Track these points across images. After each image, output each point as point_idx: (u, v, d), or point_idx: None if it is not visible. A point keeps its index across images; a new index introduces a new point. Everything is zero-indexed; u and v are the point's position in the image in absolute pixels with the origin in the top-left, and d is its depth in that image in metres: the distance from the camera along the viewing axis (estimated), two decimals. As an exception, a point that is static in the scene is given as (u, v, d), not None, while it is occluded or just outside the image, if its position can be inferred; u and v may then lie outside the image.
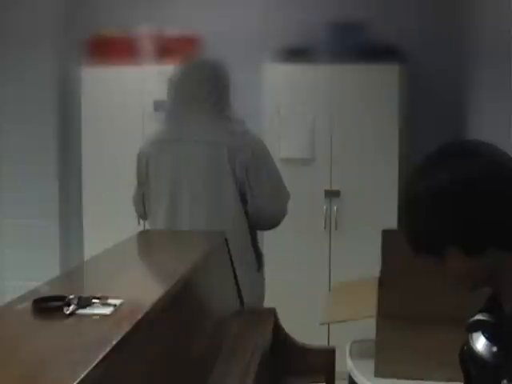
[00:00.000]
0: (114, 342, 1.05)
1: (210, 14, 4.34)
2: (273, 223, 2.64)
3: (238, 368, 1.67)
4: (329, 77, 4.02)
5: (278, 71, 4.08)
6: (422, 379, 2.13)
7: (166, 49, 4.20)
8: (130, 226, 3.21)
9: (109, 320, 1.19)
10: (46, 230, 4.38)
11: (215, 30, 4.23)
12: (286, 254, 4.05)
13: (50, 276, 1.57)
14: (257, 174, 2.49)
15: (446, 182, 1.16)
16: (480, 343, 1.19)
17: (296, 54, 4.05)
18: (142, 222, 2.94)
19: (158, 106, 4.08)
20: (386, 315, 2.16)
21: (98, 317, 1.20)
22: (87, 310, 1.22)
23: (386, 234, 2.18)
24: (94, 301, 1.25)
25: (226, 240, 2.15)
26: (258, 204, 2.51)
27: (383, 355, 2.18)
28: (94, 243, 3.88)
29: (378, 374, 2.19)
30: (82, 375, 0.92)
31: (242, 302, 2.20)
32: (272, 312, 2.17)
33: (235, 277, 2.17)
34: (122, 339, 1.08)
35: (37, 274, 2.88)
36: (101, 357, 0.99)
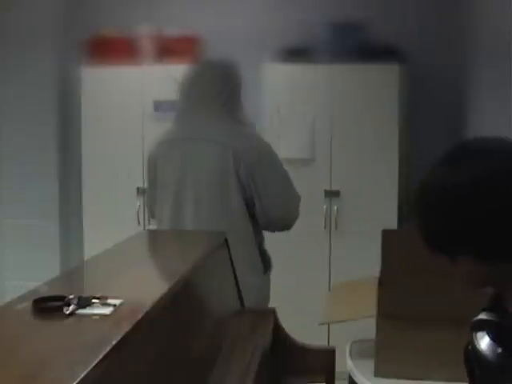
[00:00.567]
0: (114, 342, 1.05)
1: (209, 14, 4.34)
2: (284, 225, 2.62)
3: (238, 368, 1.67)
4: (329, 77, 4.02)
5: (278, 71, 4.08)
6: (421, 379, 2.13)
7: (165, 49, 4.20)
8: (130, 226, 3.22)
9: (109, 320, 1.19)
10: (46, 230, 4.38)
11: (215, 30, 4.23)
12: (286, 254, 4.05)
13: (50, 276, 1.56)
14: (263, 178, 2.46)
15: (467, 183, 1.14)
16: (484, 343, 1.19)
17: (296, 53, 4.05)
18: (142, 221, 2.95)
19: (157, 106, 4.09)
20: (386, 315, 2.16)
21: (97, 317, 1.20)
22: (87, 310, 1.22)
23: (386, 234, 2.18)
24: (93, 301, 1.25)
25: (226, 240, 2.14)
26: (265, 207, 2.48)
27: (383, 355, 2.18)
28: (94, 243, 3.89)
29: (378, 374, 2.20)
30: (82, 375, 0.92)
31: (242, 302, 2.20)
32: (272, 312, 2.17)
33: (235, 277, 2.17)
34: (121, 339, 1.08)
35: (37, 274, 2.88)
36: (100, 357, 0.99)
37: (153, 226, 2.90)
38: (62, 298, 1.24)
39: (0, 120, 4.38)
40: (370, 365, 2.22)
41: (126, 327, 1.13)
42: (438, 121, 4.25)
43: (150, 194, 2.70)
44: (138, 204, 4.10)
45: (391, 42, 3.98)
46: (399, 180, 3.99)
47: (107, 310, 1.22)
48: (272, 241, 3.76)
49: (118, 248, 1.96)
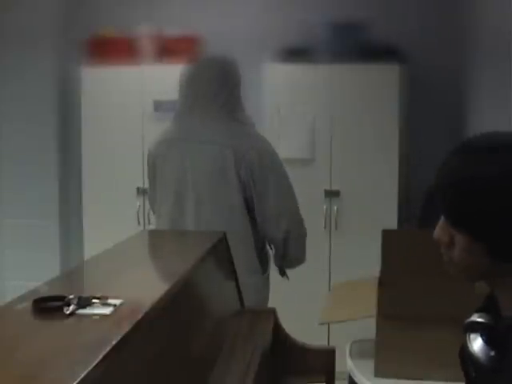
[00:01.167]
0: (114, 342, 1.05)
1: (210, 14, 4.34)
2: (284, 229, 2.50)
3: (238, 368, 1.67)
4: (329, 77, 4.02)
5: (278, 71, 4.08)
6: (421, 379, 2.13)
7: (165, 49, 4.20)
8: (130, 226, 3.22)
9: (109, 320, 1.19)
10: (46, 230, 4.38)
11: (215, 29, 4.23)
12: (286, 254, 4.05)
13: (50, 276, 1.56)
14: (263, 178, 2.45)
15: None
16: (477, 345, 1.18)
17: (296, 53, 4.05)
18: (142, 221, 2.95)
19: (157, 105, 4.09)
20: (385, 315, 2.16)
21: (97, 317, 1.20)
22: (87, 310, 1.22)
23: (386, 234, 2.18)
24: (93, 301, 1.25)
25: (226, 240, 2.14)
26: (264, 207, 2.47)
27: (383, 355, 2.18)
28: (94, 243, 3.89)
29: (378, 373, 2.20)
30: (82, 375, 0.92)
31: (242, 302, 2.20)
32: (272, 312, 2.17)
33: (235, 277, 2.17)
34: (121, 339, 1.08)
35: (37, 274, 2.88)
36: (101, 357, 0.99)
37: (153, 226, 2.90)
38: (62, 298, 1.24)
39: (0, 120, 4.38)
40: (370, 365, 2.22)
41: (126, 327, 1.13)
42: (438, 121, 4.25)
43: (150, 193, 2.70)
44: (138, 204, 4.10)
45: (391, 42, 3.98)
46: (399, 180, 3.99)
47: (107, 310, 1.22)
48: (272, 241, 3.77)
49: (118, 248, 1.96)
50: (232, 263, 2.16)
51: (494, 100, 3.36)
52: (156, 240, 2.34)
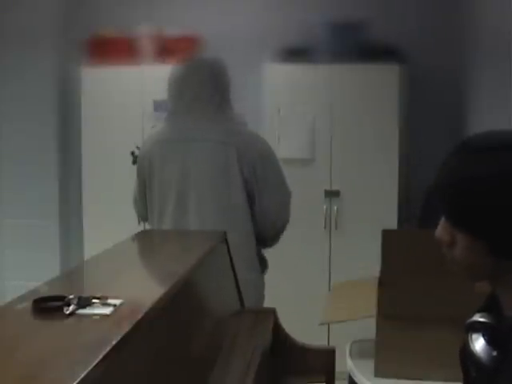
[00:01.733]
0: (114, 342, 1.05)
1: (210, 14, 4.34)
2: (278, 227, 2.59)
3: (238, 368, 1.67)
4: (329, 77, 4.03)
5: (278, 71, 4.08)
6: (421, 379, 2.13)
7: (165, 49, 4.20)
8: (130, 226, 3.20)
9: (109, 320, 1.19)
10: (46, 230, 4.38)
11: (215, 30, 4.23)
12: (286, 254, 4.05)
13: (50, 276, 1.56)
14: (264, 175, 2.49)
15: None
16: (479, 345, 1.18)
17: (296, 53, 4.05)
18: (142, 221, 2.94)
19: (157, 105, 4.09)
20: (386, 315, 2.16)
21: (97, 317, 1.19)
22: (87, 310, 1.22)
23: (386, 234, 2.18)
24: (93, 301, 1.25)
25: (226, 240, 2.14)
26: (264, 204, 2.51)
27: (383, 355, 2.18)
28: (94, 243, 3.89)
29: (378, 373, 2.19)
30: (82, 375, 0.92)
31: (242, 302, 2.20)
32: (272, 312, 2.17)
33: (235, 277, 2.17)
34: (121, 339, 1.08)
35: (37, 274, 2.88)
36: (100, 357, 0.99)
37: (147, 226, 2.88)
38: (62, 298, 1.24)
39: (0, 120, 4.38)
40: (370, 365, 2.22)
41: (126, 327, 1.13)
42: (438, 121, 4.25)
43: (139, 192, 2.65)
44: (138, 204, 4.10)
45: (391, 42, 3.98)
46: (399, 180, 3.99)
47: (107, 310, 1.22)
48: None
49: (118, 248, 1.96)
50: (232, 263, 2.16)
51: (494, 100, 3.36)
52: (156, 240, 2.34)
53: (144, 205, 2.64)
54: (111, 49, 4.19)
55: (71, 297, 1.23)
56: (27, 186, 4.38)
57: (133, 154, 3.49)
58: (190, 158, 2.48)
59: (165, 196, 2.52)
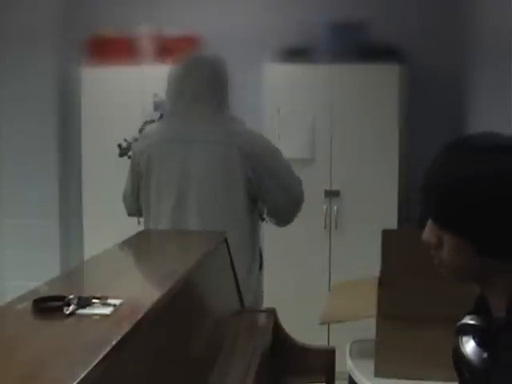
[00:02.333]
0: (114, 342, 1.05)
1: (210, 14, 4.34)
2: (292, 214, 2.61)
3: (238, 368, 1.67)
4: (329, 77, 4.03)
5: (278, 71, 4.08)
6: (421, 379, 2.13)
7: (165, 49, 4.20)
8: (130, 226, 3.20)
9: (109, 320, 1.19)
10: (46, 230, 4.38)
11: (215, 30, 4.23)
12: (286, 254, 4.05)
13: (50, 276, 1.56)
14: (274, 171, 2.50)
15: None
16: (469, 347, 1.19)
17: (296, 53, 4.05)
18: (142, 222, 2.93)
19: (157, 105, 4.09)
20: (386, 315, 2.16)
21: (97, 317, 1.19)
22: (87, 310, 1.22)
23: (386, 234, 2.18)
24: (93, 301, 1.25)
25: (226, 240, 2.14)
26: (277, 201, 2.52)
27: (383, 355, 2.18)
28: (94, 243, 3.89)
29: (378, 374, 2.19)
30: (82, 375, 0.92)
31: (242, 302, 2.20)
32: (272, 312, 2.17)
33: (235, 277, 2.17)
34: (121, 339, 1.08)
35: (37, 274, 2.88)
36: (100, 357, 0.99)
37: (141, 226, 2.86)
38: (62, 298, 1.24)
39: (0, 120, 4.38)
40: (370, 365, 2.22)
41: (126, 327, 1.13)
42: (438, 121, 4.25)
43: (132, 189, 2.62)
44: (138, 204, 4.10)
45: (391, 42, 3.98)
46: (399, 180, 3.99)
47: (107, 310, 1.22)
48: (272, 241, 3.78)
49: (117, 248, 1.96)
50: (232, 263, 2.16)
51: (493, 100, 3.36)
52: (156, 240, 2.34)
53: (135, 200, 2.62)
54: (111, 49, 4.19)
55: (71, 297, 1.23)
56: (27, 186, 4.38)
57: (120, 146, 3.42)
58: (190, 158, 2.48)
59: (163, 196, 2.51)
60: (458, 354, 1.21)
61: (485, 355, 1.16)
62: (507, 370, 1.08)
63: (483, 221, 1.13)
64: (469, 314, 1.24)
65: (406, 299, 2.12)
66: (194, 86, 2.52)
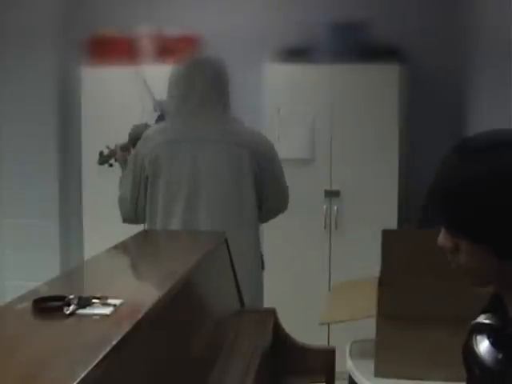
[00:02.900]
0: (114, 342, 1.05)
1: (210, 14, 4.34)
2: (279, 212, 2.74)
3: (238, 368, 1.67)
4: (329, 77, 4.02)
5: (278, 71, 4.08)
6: (421, 379, 2.13)
7: (166, 49, 4.20)
8: (130, 226, 3.20)
9: (109, 320, 1.19)
10: (46, 230, 4.38)
11: (215, 30, 4.23)
12: (286, 254, 4.05)
13: (50, 276, 1.56)
14: (273, 174, 2.57)
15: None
16: (484, 347, 1.17)
17: (296, 53, 4.05)
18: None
19: (157, 106, 4.08)
20: (386, 315, 2.16)
21: (98, 317, 1.19)
22: (87, 310, 1.22)
23: (386, 234, 2.18)
24: (94, 301, 1.25)
25: (226, 240, 2.14)
26: (274, 201, 2.60)
27: (383, 355, 2.18)
28: (94, 243, 3.89)
29: (378, 373, 2.19)
30: (82, 375, 0.92)
31: (242, 302, 2.20)
32: (272, 312, 2.17)
33: (235, 277, 2.17)
34: (121, 339, 1.08)
35: (37, 274, 2.88)
36: (101, 357, 0.99)
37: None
38: (62, 298, 1.24)
39: (0, 120, 4.38)
40: (370, 365, 2.22)
41: (126, 327, 1.13)
42: (438, 121, 4.25)
43: (132, 192, 2.58)
44: (138, 204, 4.09)
45: (392, 42, 3.98)
46: (399, 180, 3.99)
47: (107, 310, 1.22)
48: (273, 241, 3.78)
49: (118, 248, 1.96)
50: (232, 263, 2.16)
51: (494, 100, 3.36)
52: (156, 240, 2.34)
53: (134, 205, 2.58)
54: (111, 49, 4.19)
55: (71, 297, 1.23)
56: (27, 186, 4.38)
57: (101, 153, 3.36)
58: (199, 158, 2.48)
59: (172, 197, 2.50)
60: (470, 352, 1.19)
61: (499, 356, 1.14)
62: None
63: (496, 223, 1.11)
64: (483, 312, 1.22)
65: (406, 299, 2.12)
66: (200, 89, 2.52)
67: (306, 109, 4.04)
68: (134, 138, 2.77)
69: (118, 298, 1.27)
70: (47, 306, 1.23)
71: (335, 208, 4.06)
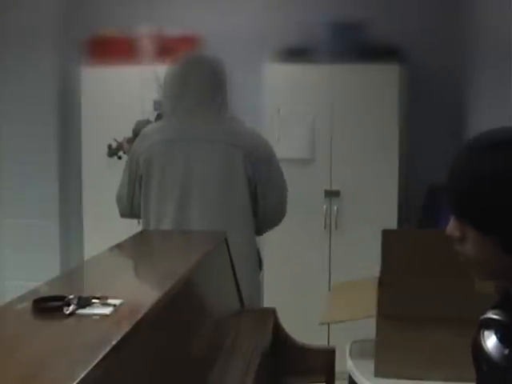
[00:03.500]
0: (114, 342, 1.05)
1: (210, 14, 4.34)
2: (277, 220, 2.67)
3: (238, 368, 1.67)
4: (329, 77, 4.03)
5: (278, 71, 4.08)
6: (421, 379, 2.13)
7: (165, 49, 4.20)
8: (130, 226, 3.20)
9: (108, 320, 1.19)
10: (46, 230, 4.38)
11: (215, 30, 4.23)
12: (286, 254, 4.05)
13: (50, 276, 1.56)
14: (268, 176, 2.52)
15: None
16: (491, 343, 1.17)
17: (296, 53, 4.05)
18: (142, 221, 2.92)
19: (157, 105, 4.08)
20: (385, 315, 2.16)
21: (97, 317, 1.19)
22: (87, 310, 1.22)
23: (386, 234, 2.18)
24: (93, 301, 1.25)
25: (226, 240, 2.14)
26: (268, 204, 2.55)
27: (383, 355, 2.18)
28: (94, 243, 3.89)
29: (378, 373, 2.19)
30: (82, 375, 0.92)
31: (242, 302, 2.20)
32: (272, 312, 2.17)
33: (235, 277, 2.17)
34: (121, 339, 1.08)
35: (37, 274, 2.88)
36: (100, 357, 0.99)
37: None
38: (62, 298, 1.23)
39: (0, 120, 4.38)
40: (370, 365, 2.22)
41: (126, 327, 1.13)
42: (438, 121, 4.25)
43: (129, 190, 2.59)
44: (138, 204, 4.09)
45: (391, 42, 3.99)
46: (399, 180, 3.99)
47: (107, 310, 1.22)
48: (273, 241, 3.77)
49: (118, 248, 1.96)
50: (232, 263, 2.16)
51: (494, 100, 3.36)
52: (156, 240, 2.33)
53: (130, 202, 2.60)
54: (111, 49, 4.20)
55: (71, 297, 1.23)
56: (27, 186, 4.38)
57: (109, 146, 3.39)
58: (193, 158, 2.47)
59: (165, 196, 2.50)
60: (478, 348, 1.20)
61: (506, 352, 1.14)
62: None
63: (505, 216, 1.12)
64: (493, 308, 1.22)
65: (406, 299, 2.12)
66: (196, 87, 2.51)
67: (306, 109, 4.04)
68: (137, 133, 2.78)
69: (118, 298, 1.27)
70: (47, 306, 1.23)
71: (335, 208, 4.06)
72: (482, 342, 1.18)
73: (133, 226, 3.12)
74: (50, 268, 4.06)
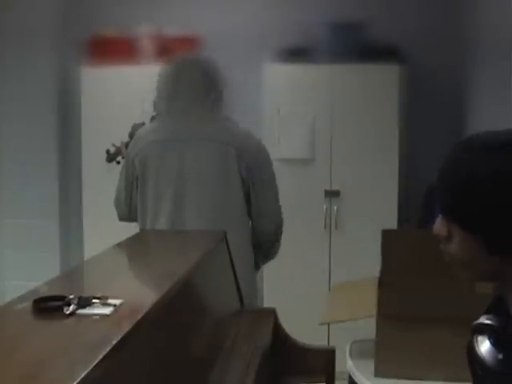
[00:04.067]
0: (114, 342, 1.05)
1: (210, 14, 4.34)
2: (272, 228, 2.60)
3: (238, 368, 1.66)
4: (329, 77, 4.02)
5: (278, 71, 4.08)
6: (421, 379, 2.13)
7: (165, 49, 4.20)
8: (130, 226, 3.21)
9: (109, 320, 1.19)
10: (46, 230, 4.38)
11: (215, 30, 4.23)
12: (286, 254, 4.04)
13: (50, 276, 1.56)
14: (261, 176, 2.51)
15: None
16: (484, 348, 1.17)
17: (296, 53, 4.05)
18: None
19: (156, 105, 4.08)
20: (385, 315, 2.16)
21: (97, 317, 1.19)
22: (87, 310, 1.22)
23: (386, 234, 2.18)
24: (94, 301, 1.25)
25: (225, 239, 2.14)
26: (260, 206, 2.53)
27: (383, 355, 2.18)
28: (94, 243, 3.88)
29: (378, 374, 2.19)
30: (82, 375, 0.92)
31: (242, 302, 2.20)
32: (272, 312, 2.17)
33: (235, 277, 2.17)
34: (121, 339, 1.08)
35: (37, 274, 2.88)
36: (101, 357, 0.99)
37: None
38: (62, 298, 1.23)
39: (0, 120, 4.38)
40: (370, 365, 2.22)
41: (126, 327, 1.13)
42: (438, 121, 4.25)
43: (126, 192, 2.59)
44: (138, 204, 4.09)
45: (391, 42, 3.98)
46: (399, 180, 3.99)
47: (107, 310, 1.22)
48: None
49: (118, 248, 1.96)
50: (232, 263, 2.16)
51: (494, 99, 3.36)
52: (156, 240, 2.33)
53: (128, 205, 2.60)
54: (111, 49, 4.19)
55: (71, 297, 1.23)
56: (27, 186, 4.38)
57: (108, 151, 3.39)
58: (187, 157, 2.47)
59: (160, 196, 2.50)
60: (472, 353, 1.20)
61: (500, 356, 1.14)
62: None
63: (490, 217, 1.13)
64: (486, 313, 1.23)
65: (406, 299, 2.12)
66: (189, 87, 2.52)
67: (306, 109, 4.04)
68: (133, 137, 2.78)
69: (118, 298, 1.27)
70: (47, 306, 1.23)
71: (335, 208, 4.06)
72: (476, 348, 1.19)
73: (133, 226, 3.13)
74: (50, 268, 4.06)
